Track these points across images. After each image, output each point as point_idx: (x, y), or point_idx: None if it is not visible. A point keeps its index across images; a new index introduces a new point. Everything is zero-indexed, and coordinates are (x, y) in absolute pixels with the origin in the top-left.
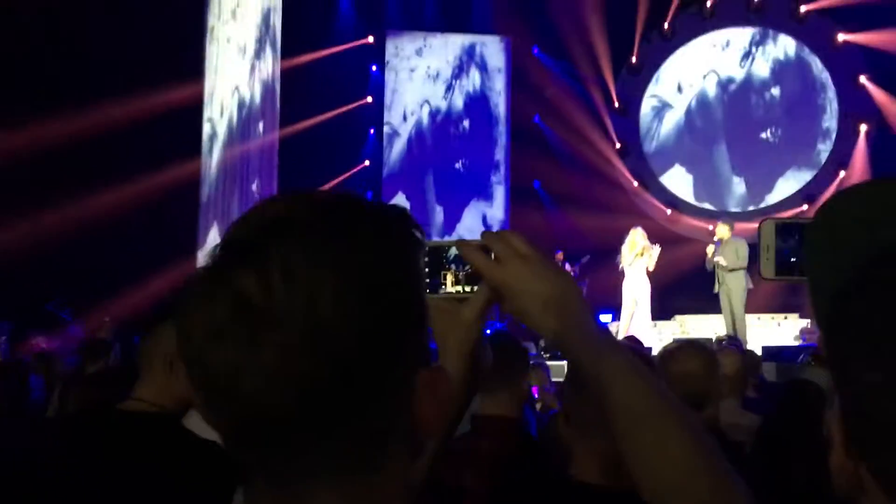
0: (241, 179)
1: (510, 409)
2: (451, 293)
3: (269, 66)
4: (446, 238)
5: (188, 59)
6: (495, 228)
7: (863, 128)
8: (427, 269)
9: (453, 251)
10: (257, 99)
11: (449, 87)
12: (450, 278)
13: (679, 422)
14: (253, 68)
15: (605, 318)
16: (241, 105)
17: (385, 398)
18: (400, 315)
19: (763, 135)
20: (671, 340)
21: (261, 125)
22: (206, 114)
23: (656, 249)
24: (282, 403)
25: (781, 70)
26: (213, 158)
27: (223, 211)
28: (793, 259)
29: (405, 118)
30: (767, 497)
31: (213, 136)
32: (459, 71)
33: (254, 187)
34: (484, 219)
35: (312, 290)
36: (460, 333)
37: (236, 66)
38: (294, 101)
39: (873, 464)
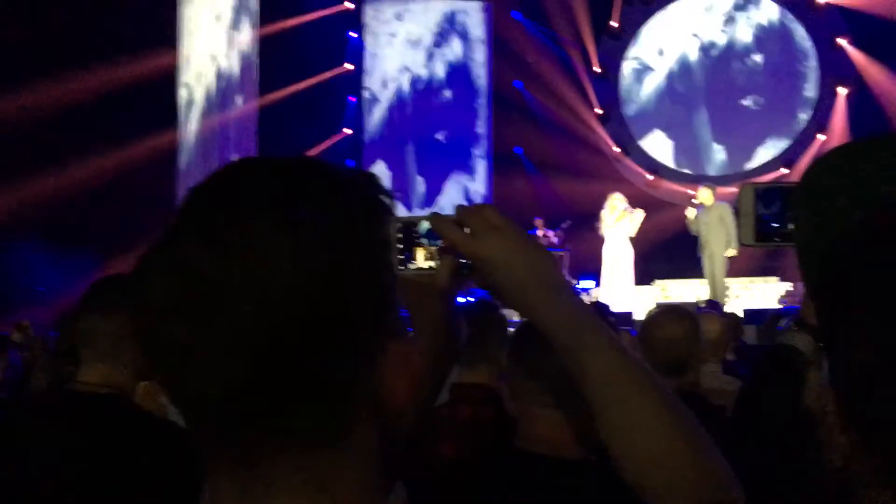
0: (220, 149)
1: (489, 378)
2: (423, 269)
3: (246, 35)
4: (427, 210)
5: (162, 24)
6: (477, 202)
7: (842, 91)
8: (399, 244)
9: (425, 225)
10: (236, 69)
11: (430, 56)
12: (422, 253)
13: (658, 398)
14: (231, 37)
15: (586, 283)
16: (218, 75)
17: (349, 372)
18: (365, 286)
19: (744, 101)
20: (653, 305)
21: (239, 96)
22: (183, 79)
23: (639, 214)
24: (239, 379)
25: (764, 36)
26: (190, 126)
27: None
28: (773, 224)
29: (385, 84)
30: (748, 463)
31: (190, 102)
32: (440, 39)
33: (234, 158)
34: (466, 192)
35: (268, 261)
36: (432, 307)
37: (213, 31)
38: (272, 69)
39: (869, 441)
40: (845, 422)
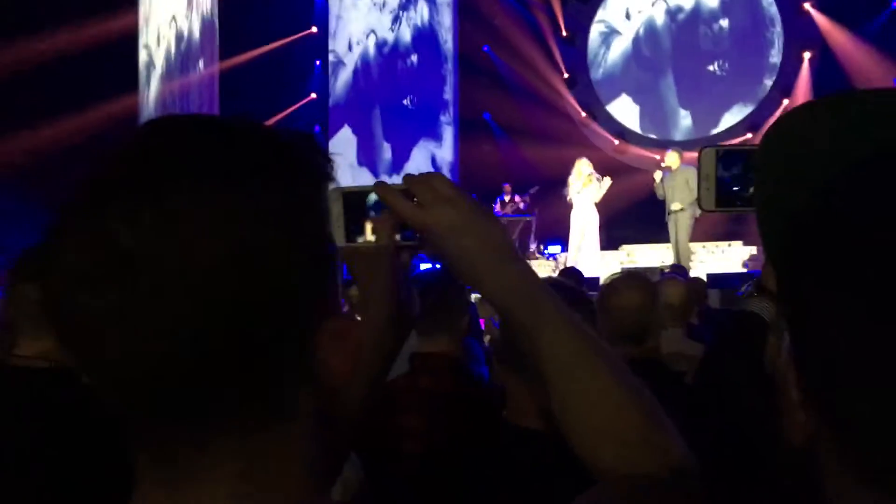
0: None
1: (449, 346)
2: (371, 242)
3: None
4: (395, 178)
5: None
6: (445, 171)
7: (806, 56)
8: (346, 216)
9: (374, 197)
10: (196, 31)
11: (396, 18)
12: (370, 226)
13: (609, 373)
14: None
15: (553, 248)
16: (179, 38)
17: (281, 349)
18: (299, 258)
19: (710, 67)
20: (618, 269)
21: (200, 60)
22: (142, 40)
23: (606, 181)
24: (162, 358)
25: (730, 1)
26: (150, 90)
27: None
28: (734, 188)
29: (350, 47)
30: (706, 430)
31: (149, 64)
32: (406, 2)
33: None
34: (433, 160)
35: (191, 230)
36: (380, 277)
37: None
38: (234, 32)
39: (832, 420)
40: (805, 399)
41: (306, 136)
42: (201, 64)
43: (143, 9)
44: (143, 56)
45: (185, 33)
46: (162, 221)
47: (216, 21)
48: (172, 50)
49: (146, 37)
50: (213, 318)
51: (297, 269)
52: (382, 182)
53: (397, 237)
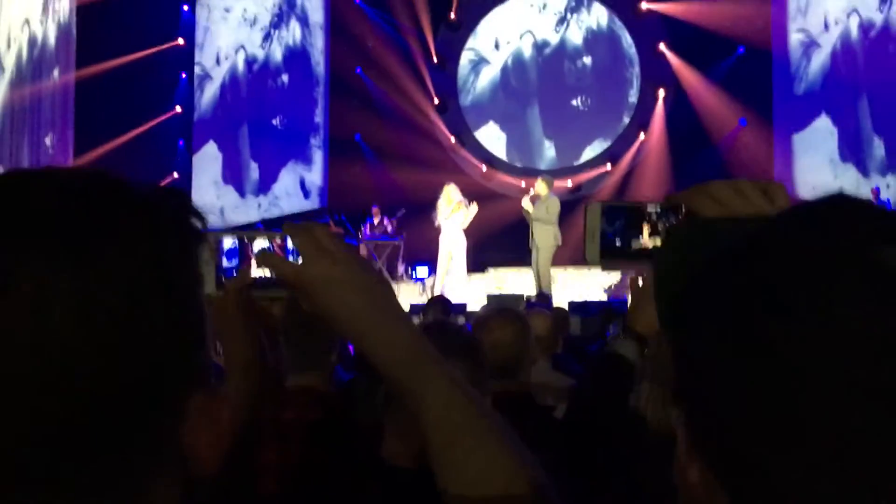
0: (32, 127)
1: (318, 381)
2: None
3: (64, 1)
4: (261, 198)
5: None
6: (313, 193)
7: (661, 93)
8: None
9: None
10: (51, 38)
11: (267, 36)
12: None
13: (488, 433)
14: (46, 1)
15: (421, 271)
16: (32, 42)
17: (143, 432)
18: (163, 332)
19: (574, 101)
20: (485, 297)
21: (56, 68)
22: None
23: (473, 208)
24: (9, 438)
25: (594, 40)
26: None
27: (12, 164)
28: (617, 243)
29: (218, 61)
30: (576, 474)
31: None
32: (278, 20)
33: (48, 140)
34: (302, 183)
35: (42, 304)
36: (243, 343)
37: None
38: (95, 40)
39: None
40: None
41: (175, 192)
42: (56, 72)
43: None
44: None
45: (39, 38)
46: (11, 292)
47: (73, 28)
48: (24, 55)
49: None
50: (61, 403)
51: (166, 342)
52: (258, 228)
53: (265, 292)
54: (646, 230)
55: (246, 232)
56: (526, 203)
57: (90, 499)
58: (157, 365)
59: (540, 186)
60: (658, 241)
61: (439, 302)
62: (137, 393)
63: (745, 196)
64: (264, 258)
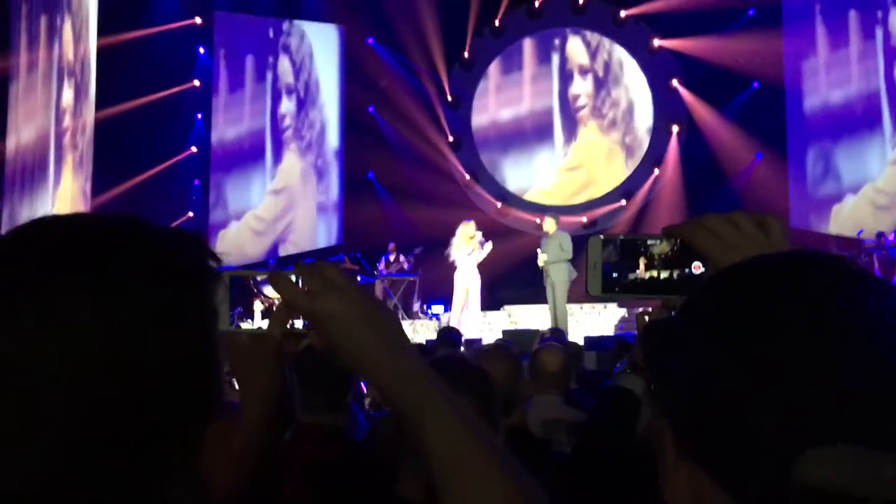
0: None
1: (334, 418)
2: (258, 329)
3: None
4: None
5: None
6: (328, 231)
7: (674, 128)
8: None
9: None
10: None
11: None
12: (259, 308)
13: (495, 467)
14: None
15: (437, 308)
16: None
17: (164, 458)
18: (183, 365)
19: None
20: (500, 332)
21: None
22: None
23: (488, 246)
24: (38, 470)
25: (608, 75)
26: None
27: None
28: (615, 275)
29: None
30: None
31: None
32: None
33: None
34: (317, 221)
35: (75, 338)
36: (263, 375)
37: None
38: (113, 81)
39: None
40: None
41: (194, 235)
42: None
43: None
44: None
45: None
46: (42, 329)
47: (94, 71)
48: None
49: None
50: (91, 430)
51: (184, 376)
52: (274, 270)
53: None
54: (642, 263)
55: (258, 272)
56: (542, 259)
57: None
58: (176, 391)
59: (548, 224)
60: (655, 273)
61: (446, 334)
62: (155, 416)
63: (741, 229)
64: (276, 281)
